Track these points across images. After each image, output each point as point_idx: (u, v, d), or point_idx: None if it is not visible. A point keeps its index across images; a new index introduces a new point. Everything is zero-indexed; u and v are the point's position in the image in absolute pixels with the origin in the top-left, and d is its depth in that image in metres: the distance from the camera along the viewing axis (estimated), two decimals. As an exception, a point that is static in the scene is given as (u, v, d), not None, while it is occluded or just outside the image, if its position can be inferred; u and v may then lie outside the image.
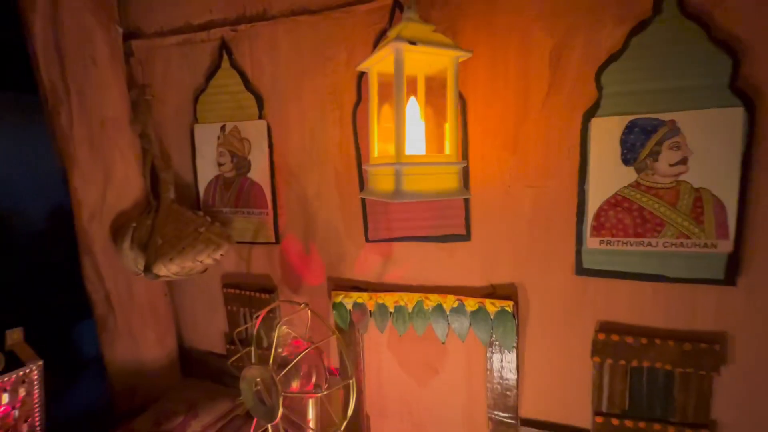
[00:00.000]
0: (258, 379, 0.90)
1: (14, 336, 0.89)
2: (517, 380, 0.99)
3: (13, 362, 0.87)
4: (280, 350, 0.92)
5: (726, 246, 0.80)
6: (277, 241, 1.20)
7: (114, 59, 1.16)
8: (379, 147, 0.83)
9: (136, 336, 1.27)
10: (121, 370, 1.27)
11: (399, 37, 0.66)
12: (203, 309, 1.37)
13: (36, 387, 0.89)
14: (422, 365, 1.10)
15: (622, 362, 0.89)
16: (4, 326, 0.94)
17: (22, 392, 0.87)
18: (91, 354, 1.28)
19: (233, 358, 0.99)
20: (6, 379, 0.83)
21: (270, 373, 0.87)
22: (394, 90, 0.70)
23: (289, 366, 0.89)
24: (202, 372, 1.40)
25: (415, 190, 0.74)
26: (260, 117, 1.16)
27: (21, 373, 0.86)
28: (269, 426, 0.91)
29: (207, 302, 1.35)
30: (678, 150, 0.81)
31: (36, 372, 0.88)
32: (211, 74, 1.20)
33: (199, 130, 1.24)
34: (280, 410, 0.85)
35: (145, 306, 1.27)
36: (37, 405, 0.90)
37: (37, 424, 0.91)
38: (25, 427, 0.88)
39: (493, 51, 0.91)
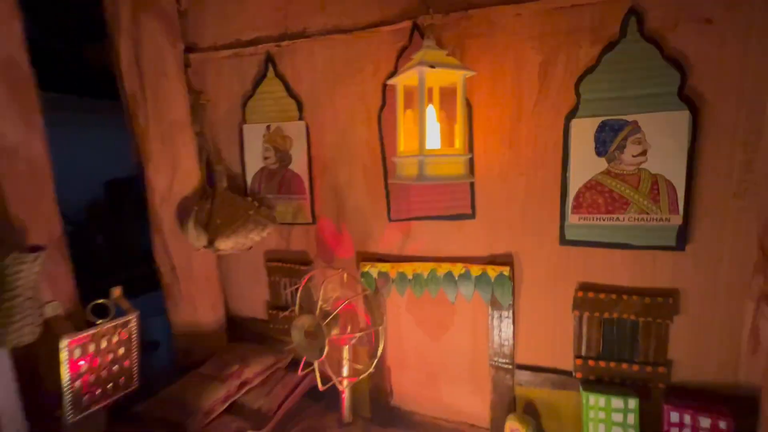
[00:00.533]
0: (307, 326, 1.14)
1: (116, 292, 1.13)
2: (513, 332, 1.22)
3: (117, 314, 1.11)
4: (323, 304, 1.15)
5: (677, 220, 1.02)
6: (314, 221, 1.44)
7: (179, 71, 1.40)
8: (404, 143, 1.06)
9: (195, 302, 1.52)
10: (182, 331, 1.53)
11: (422, 62, 0.89)
12: (248, 280, 1.61)
13: (134, 333, 1.14)
14: (435, 323, 1.34)
15: (597, 314, 1.12)
16: (101, 289, 1.18)
17: (125, 335, 1.11)
18: (159, 317, 1.53)
19: (288, 311, 1.22)
20: (116, 323, 1.08)
21: (317, 320, 1.11)
22: (417, 99, 0.93)
23: (331, 316, 1.13)
24: (245, 336, 1.65)
25: (434, 175, 0.97)
26: (300, 118, 1.40)
27: (124, 320, 1.11)
28: (315, 363, 1.16)
29: (252, 275, 1.59)
30: (639, 144, 1.02)
31: (134, 320, 1.13)
32: (257, 82, 1.44)
33: (247, 129, 1.48)
34: (326, 349, 1.10)
35: (201, 277, 1.52)
36: (134, 348, 1.15)
37: (135, 365, 1.16)
38: (127, 362, 1.13)
39: (493, 66, 1.13)
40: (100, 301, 1.08)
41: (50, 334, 0.96)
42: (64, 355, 0.97)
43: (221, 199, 1.43)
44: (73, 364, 1.00)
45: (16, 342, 0.86)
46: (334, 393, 1.27)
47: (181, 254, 1.46)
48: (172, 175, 1.40)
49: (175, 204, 1.42)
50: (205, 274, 1.54)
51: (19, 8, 0.97)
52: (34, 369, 1.01)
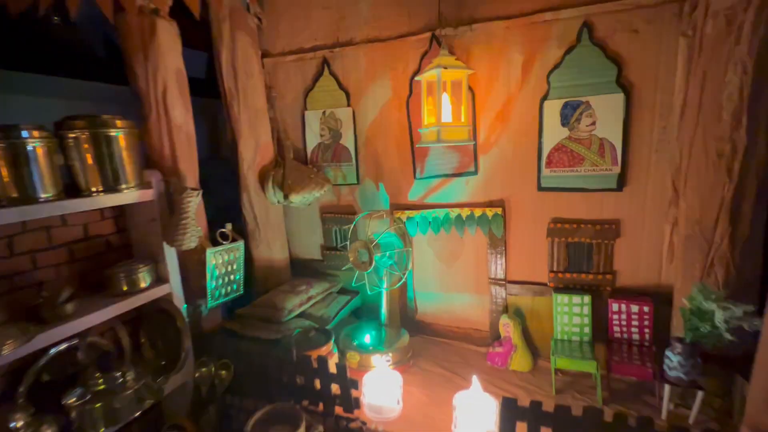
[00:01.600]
0: (359, 248, 1.64)
1: (229, 227, 1.66)
2: (505, 256, 1.70)
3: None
4: (370, 234, 1.65)
5: (617, 169, 1.47)
6: (358, 182, 1.94)
7: (260, 72, 1.91)
8: (427, 118, 1.54)
9: (270, 244, 2.04)
10: (261, 264, 2.05)
11: (438, 65, 1.36)
12: (307, 230, 2.13)
13: (242, 254, 1.67)
14: (449, 253, 1.83)
15: (563, 239, 1.58)
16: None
17: (236, 254, 1.65)
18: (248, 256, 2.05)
19: (340, 247, 1.72)
20: (231, 246, 1.61)
21: (368, 244, 1.61)
22: (435, 90, 1.41)
23: (376, 241, 1.63)
24: (304, 272, 2.17)
25: (447, 139, 1.45)
26: (348, 105, 1.89)
27: (236, 245, 1.64)
28: (365, 274, 1.66)
29: (309, 225, 2.11)
30: (590, 117, 1.47)
31: (242, 246, 1.66)
32: (316, 79, 1.93)
33: (308, 114, 1.98)
34: (374, 263, 1.60)
35: (275, 225, 2.05)
36: (241, 265, 1.69)
37: (242, 277, 1.70)
38: (236, 275, 1.67)
39: (490, 63, 1.59)
40: (223, 229, 1.62)
41: (198, 247, 1.49)
42: (210, 259, 1.52)
43: (290, 166, 1.94)
44: (217, 267, 1.55)
45: (186, 246, 1.39)
46: (370, 311, 1.78)
47: (261, 208, 1.98)
48: (255, 149, 1.92)
49: (257, 170, 1.94)
50: (277, 223, 2.06)
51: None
52: (185, 271, 1.54)
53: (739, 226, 1.24)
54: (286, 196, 1.86)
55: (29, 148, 1.06)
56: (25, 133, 1.05)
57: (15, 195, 1.06)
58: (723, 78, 1.19)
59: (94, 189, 1.21)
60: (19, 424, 1.03)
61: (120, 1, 1.30)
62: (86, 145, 1.19)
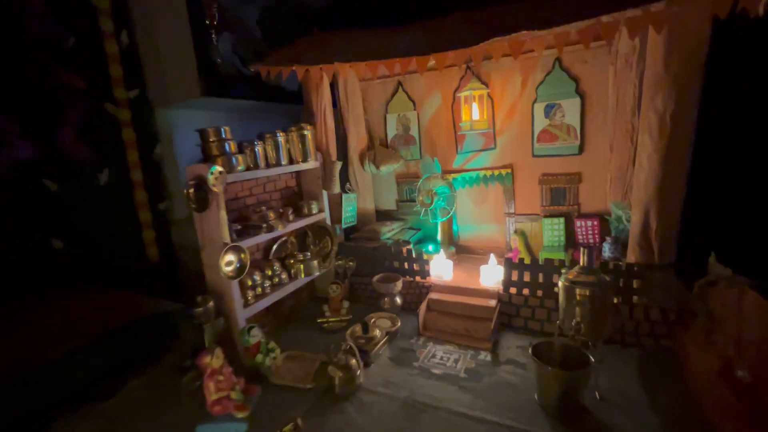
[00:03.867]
0: (423, 190, 2.80)
1: (347, 186, 2.89)
2: (513, 198, 2.79)
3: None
4: (431, 187, 2.80)
5: (577, 142, 2.51)
6: (420, 157, 3.10)
7: (359, 91, 3.11)
8: (464, 117, 2.66)
9: (365, 198, 3.25)
10: (359, 212, 3.27)
11: (469, 87, 2.48)
12: (386, 189, 3.33)
13: (356, 202, 2.89)
14: (479, 198, 2.95)
15: (548, 186, 2.65)
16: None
17: (352, 200, 2.87)
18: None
19: (412, 197, 2.91)
20: (351, 195, 2.84)
21: (430, 192, 2.77)
22: (469, 101, 2.53)
23: (434, 190, 2.79)
24: (382, 219, 3.37)
25: (476, 128, 2.58)
26: (414, 110, 3.04)
27: (353, 194, 2.87)
28: (429, 210, 2.83)
29: (388, 186, 3.31)
30: (561, 112, 2.52)
31: (356, 196, 2.89)
32: (393, 94, 3.09)
33: (388, 116, 3.16)
34: (433, 203, 2.76)
35: (367, 186, 3.26)
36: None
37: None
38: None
39: (503, 82, 2.67)
40: (348, 184, 2.85)
41: (337, 193, 2.73)
42: (343, 201, 2.76)
43: (378, 149, 3.13)
44: (346, 205, 2.79)
45: (333, 191, 2.63)
46: (429, 239, 2.95)
47: (360, 175, 3.19)
48: (357, 138, 3.12)
49: (357, 153, 3.15)
50: (368, 185, 3.28)
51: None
52: (331, 207, 2.78)
53: (639, 170, 2.26)
54: (377, 168, 3.06)
55: (279, 140, 2.33)
56: (277, 135, 2.32)
57: (272, 162, 2.33)
58: (626, 89, 2.20)
59: (300, 160, 2.47)
60: (276, 265, 2.32)
61: (323, 68, 2.54)
62: (296, 139, 2.44)
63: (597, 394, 1.61)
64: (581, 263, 1.70)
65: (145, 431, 1.60)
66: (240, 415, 1.57)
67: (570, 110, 2.50)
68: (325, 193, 2.73)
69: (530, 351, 1.62)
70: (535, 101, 2.59)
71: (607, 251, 2.33)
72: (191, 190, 1.87)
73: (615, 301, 1.95)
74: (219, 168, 1.85)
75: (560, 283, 1.72)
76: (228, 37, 2.79)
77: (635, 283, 1.96)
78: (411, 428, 1.54)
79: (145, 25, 2.62)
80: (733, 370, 1.43)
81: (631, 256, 2.07)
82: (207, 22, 2.77)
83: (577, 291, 1.64)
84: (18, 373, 1.55)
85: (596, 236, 2.53)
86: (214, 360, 1.59)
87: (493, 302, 2.22)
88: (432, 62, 2.13)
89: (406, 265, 2.58)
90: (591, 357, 1.53)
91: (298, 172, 2.72)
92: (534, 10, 1.85)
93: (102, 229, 2.55)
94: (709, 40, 1.71)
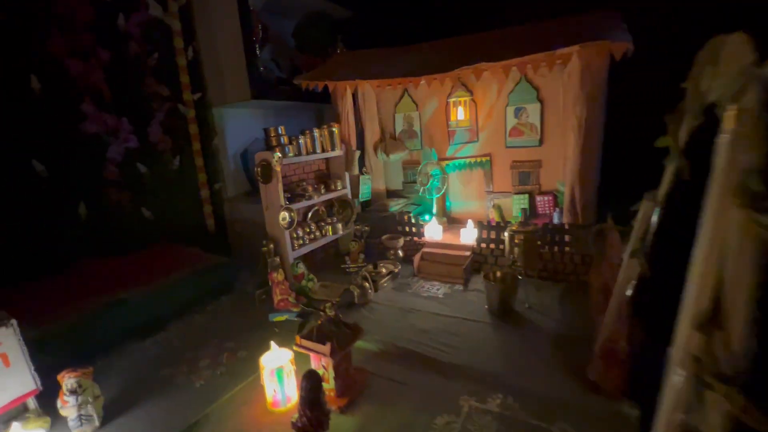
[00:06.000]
0: (422, 172, 3.65)
1: (364, 168, 3.76)
2: (492, 180, 3.62)
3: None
4: (428, 170, 3.64)
5: (538, 137, 3.31)
6: (421, 148, 3.94)
7: (372, 94, 3.96)
8: (452, 117, 3.49)
9: (377, 180, 4.13)
10: (372, 191, 4.15)
11: (457, 95, 3.30)
12: (395, 173, 4.19)
13: (370, 182, 3.76)
14: (465, 180, 3.78)
15: (517, 170, 3.47)
16: (355, 170, 3.84)
17: (367, 180, 3.74)
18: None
19: (414, 179, 3.77)
20: (366, 176, 3.71)
21: (427, 175, 3.63)
22: (457, 105, 3.36)
23: (430, 173, 3.64)
24: (392, 196, 4.24)
25: (462, 126, 3.41)
26: (417, 110, 3.88)
27: (368, 176, 3.73)
28: (426, 188, 3.69)
29: (396, 170, 4.17)
30: (526, 114, 3.32)
31: (370, 178, 3.75)
32: (401, 97, 3.93)
33: (397, 115, 4.00)
34: (429, 184, 3.62)
35: (379, 170, 4.13)
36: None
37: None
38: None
39: (484, 90, 3.48)
40: (364, 167, 3.73)
41: (357, 173, 3.61)
42: (361, 179, 3.65)
43: (388, 141, 3.99)
44: (363, 183, 3.67)
45: (353, 173, 3.51)
46: (426, 211, 3.80)
47: (374, 162, 4.05)
48: (372, 133, 3.98)
49: (372, 143, 4.01)
50: (380, 170, 4.14)
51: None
52: (351, 185, 3.67)
53: (568, 159, 3.04)
54: (387, 156, 3.91)
55: (315, 135, 3.22)
56: (314, 131, 3.21)
57: (310, 151, 3.22)
58: (572, 96, 2.98)
59: (329, 149, 3.36)
60: (312, 226, 3.23)
61: (334, 84, 3.41)
62: (326, 134, 3.33)
63: (527, 304, 2.46)
64: (521, 220, 2.54)
65: (239, 322, 2.54)
66: (294, 310, 2.49)
67: (533, 112, 3.30)
68: (347, 174, 3.61)
69: (482, 275, 2.48)
70: (507, 105, 3.39)
71: (556, 218, 3.15)
72: (259, 169, 2.78)
73: (538, 244, 2.79)
74: (278, 154, 2.75)
75: (506, 233, 2.56)
76: (269, 48, 3.69)
77: (566, 238, 2.78)
78: (403, 319, 2.43)
79: (205, 41, 3.53)
80: (609, 285, 2.25)
81: (565, 219, 2.88)
82: (254, 38, 3.67)
83: (515, 237, 2.48)
84: (139, 292, 2.44)
85: (551, 208, 3.34)
86: (278, 275, 2.51)
87: (467, 253, 3.08)
88: (422, 81, 2.95)
89: (407, 228, 3.45)
90: (518, 278, 2.39)
91: (327, 158, 3.61)
92: (491, 47, 2.68)
93: (176, 204, 3.52)
94: (608, 69, 2.50)
